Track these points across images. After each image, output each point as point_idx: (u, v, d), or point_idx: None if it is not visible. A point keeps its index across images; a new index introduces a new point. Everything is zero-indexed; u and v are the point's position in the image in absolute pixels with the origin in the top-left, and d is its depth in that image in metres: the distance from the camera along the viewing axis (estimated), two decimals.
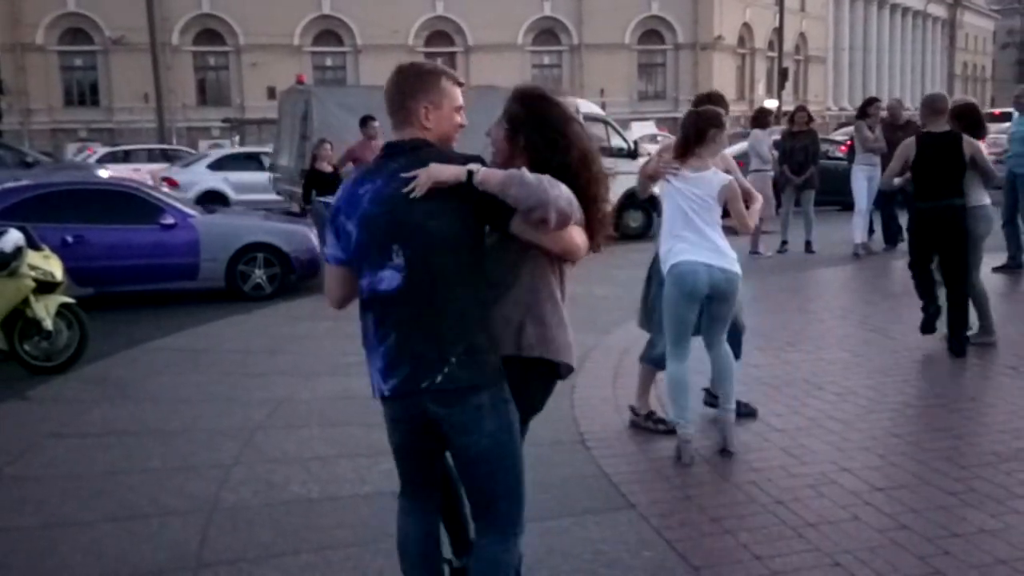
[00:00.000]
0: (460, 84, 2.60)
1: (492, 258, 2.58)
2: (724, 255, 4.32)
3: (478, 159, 2.49)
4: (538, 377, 2.76)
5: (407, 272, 2.43)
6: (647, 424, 4.86)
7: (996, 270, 9.40)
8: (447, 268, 2.43)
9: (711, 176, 4.35)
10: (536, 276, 2.71)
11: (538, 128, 2.65)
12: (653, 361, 4.87)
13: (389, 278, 2.45)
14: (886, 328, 7.17)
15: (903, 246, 11.19)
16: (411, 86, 2.53)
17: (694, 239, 4.31)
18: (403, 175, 2.43)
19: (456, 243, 2.44)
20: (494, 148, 2.74)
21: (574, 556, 3.50)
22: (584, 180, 2.64)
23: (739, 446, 4.53)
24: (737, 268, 4.36)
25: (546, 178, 2.41)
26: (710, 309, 4.41)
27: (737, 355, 4.68)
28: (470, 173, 2.40)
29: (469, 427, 2.46)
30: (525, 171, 2.42)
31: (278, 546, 3.68)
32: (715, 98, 4.86)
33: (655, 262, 4.73)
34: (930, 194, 6.17)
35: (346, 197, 2.58)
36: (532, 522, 3.62)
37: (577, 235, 2.59)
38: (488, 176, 2.40)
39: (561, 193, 2.42)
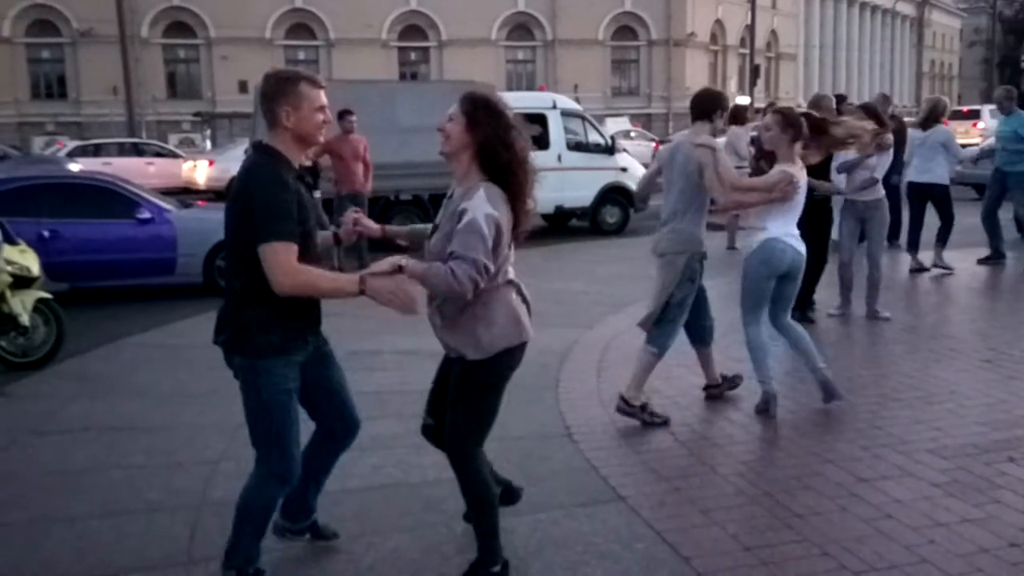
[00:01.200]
0: (321, 87, 2.96)
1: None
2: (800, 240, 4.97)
3: (310, 169, 2.79)
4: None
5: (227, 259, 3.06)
6: (642, 416, 4.88)
7: (981, 262, 9.58)
8: (234, 255, 2.98)
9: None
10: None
11: (493, 129, 2.96)
12: (663, 348, 4.99)
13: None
14: (863, 321, 7.26)
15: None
16: (273, 91, 2.91)
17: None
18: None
19: (235, 239, 2.93)
20: (445, 138, 3.01)
21: (566, 548, 3.52)
22: (519, 177, 3.00)
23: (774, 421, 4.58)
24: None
25: (447, 272, 2.85)
26: (782, 287, 4.99)
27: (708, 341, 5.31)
28: (400, 267, 2.86)
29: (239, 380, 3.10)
30: (438, 268, 2.88)
31: (268, 541, 3.63)
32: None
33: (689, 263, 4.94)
34: None
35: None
36: (523, 515, 3.67)
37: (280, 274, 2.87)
38: (413, 268, 2.87)
39: (457, 280, 2.85)
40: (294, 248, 2.82)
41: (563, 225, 14.70)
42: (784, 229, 4.90)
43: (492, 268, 2.92)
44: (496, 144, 2.95)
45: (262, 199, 2.81)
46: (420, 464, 4.44)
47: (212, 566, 3.44)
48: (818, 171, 7.17)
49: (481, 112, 2.97)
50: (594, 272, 10.11)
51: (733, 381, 5.44)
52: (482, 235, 2.86)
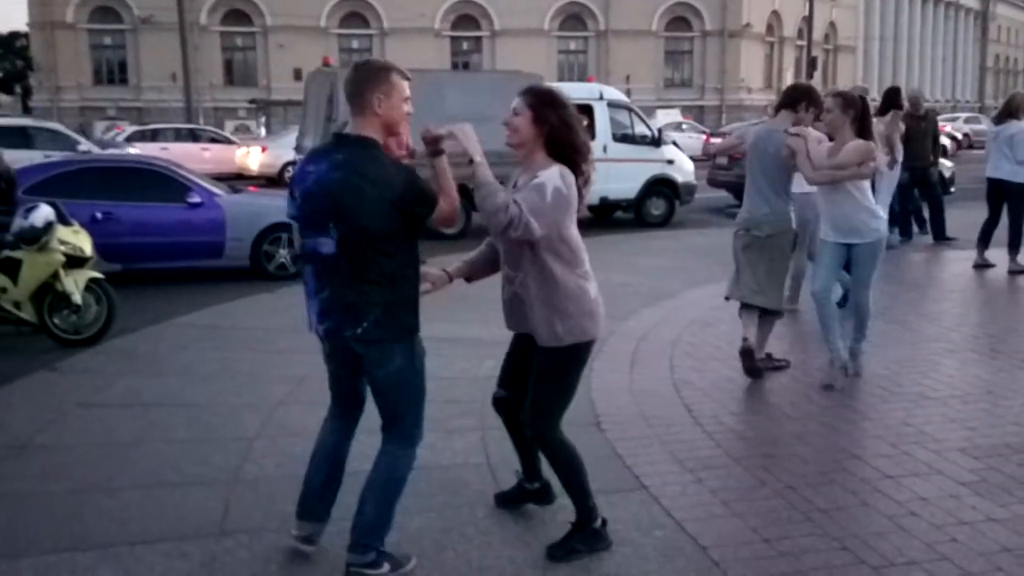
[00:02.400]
0: (407, 79, 3.11)
1: (506, 252, 3.26)
2: None
3: (408, 170, 3.03)
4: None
5: (339, 243, 3.00)
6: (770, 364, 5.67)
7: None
8: (369, 246, 2.98)
9: None
10: (549, 266, 3.22)
11: (559, 120, 3.18)
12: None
13: (327, 244, 3.02)
14: (906, 320, 7.17)
15: (922, 239, 11.18)
16: (365, 78, 3.04)
17: None
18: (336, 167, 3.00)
19: (377, 232, 2.98)
20: (513, 131, 3.21)
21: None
22: (581, 165, 3.23)
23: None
24: None
25: (503, 200, 2.99)
26: None
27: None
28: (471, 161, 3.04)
29: (381, 362, 3.10)
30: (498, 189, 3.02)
31: (277, 521, 3.77)
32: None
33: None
34: None
35: (298, 170, 3.19)
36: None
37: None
38: (480, 173, 3.03)
39: (502, 208, 2.98)
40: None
41: (608, 217, 14.69)
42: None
43: (536, 230, 3.03)
44: (561, 134, 3.17)
45: (407, 182, 2.98)
46: (450, 447, 4.53)
47: (241, 538, 3.58)
48: None
49: (546, 105, 3.17)
50: (636, 264, 10.10)
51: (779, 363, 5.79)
52: (543, 196, 3.05)
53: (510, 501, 3.80)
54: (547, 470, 3.62)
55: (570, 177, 3.14)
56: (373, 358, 3.11)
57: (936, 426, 4.74)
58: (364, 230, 2.97)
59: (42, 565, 3.38)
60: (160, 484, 4.13)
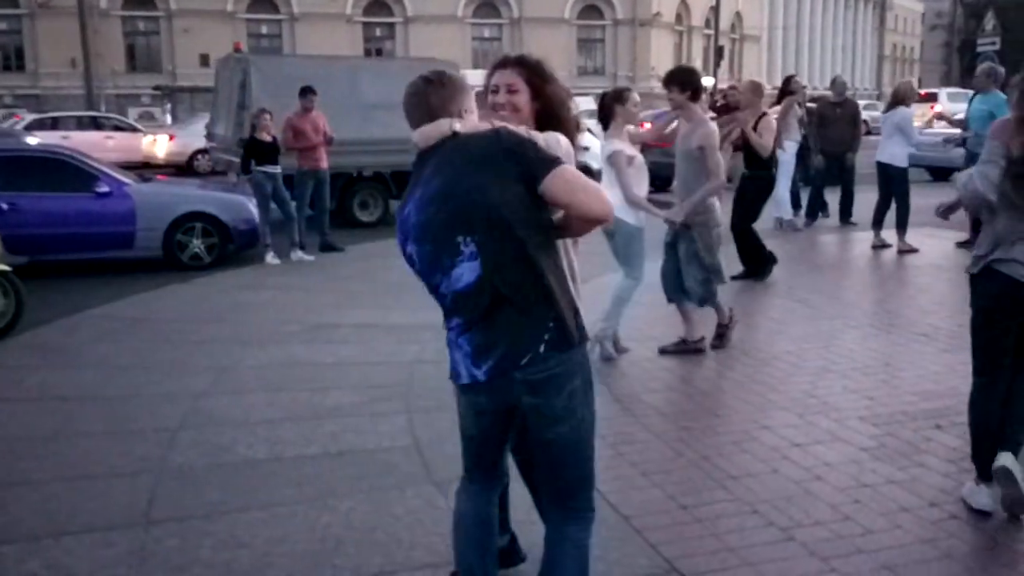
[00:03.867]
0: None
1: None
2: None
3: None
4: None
5: (481, 257, 2.31)
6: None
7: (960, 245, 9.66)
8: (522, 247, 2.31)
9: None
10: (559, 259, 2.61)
11: (554, 90, 2.84)
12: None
13: (470, 271, 2.32)
14: (808, 298, 7.51)
15: (826, 221, 11.64)
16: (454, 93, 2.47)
17: None
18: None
19: (516, 220, 2.29)
20: (513, 111, 2.78)
21: (513, 509, 3.67)
22: (574, 135, 2.87)
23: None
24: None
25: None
26: None
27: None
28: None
29: (561, 415, 2.40)
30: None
31: (227, 504, 3.79)
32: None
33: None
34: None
35: (400, 215, 2.49)
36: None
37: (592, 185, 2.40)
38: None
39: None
40: None
41: None
42: None
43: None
44: (556, 111, 2.83)
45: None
46: (376, 431, 4.59)
47: (170, 527, 3.58)
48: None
49: (541, 78, 2.83)
50: None
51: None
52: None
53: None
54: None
55: (565, 140, 2.77)
56: (541, 398, 2.40)
57: (838, 397, 5.01)
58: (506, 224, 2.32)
59: None
60: (82, 476, 4.08)
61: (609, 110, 5.50)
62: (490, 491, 2.74)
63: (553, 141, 2.67)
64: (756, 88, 8.05)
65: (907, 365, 5.62)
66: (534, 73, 2.82)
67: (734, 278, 7.47)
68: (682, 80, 5.54)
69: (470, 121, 2.45)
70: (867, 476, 3.97)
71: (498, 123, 2.44)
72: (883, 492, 3.81)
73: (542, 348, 2.33)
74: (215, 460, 4.27)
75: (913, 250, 9.45)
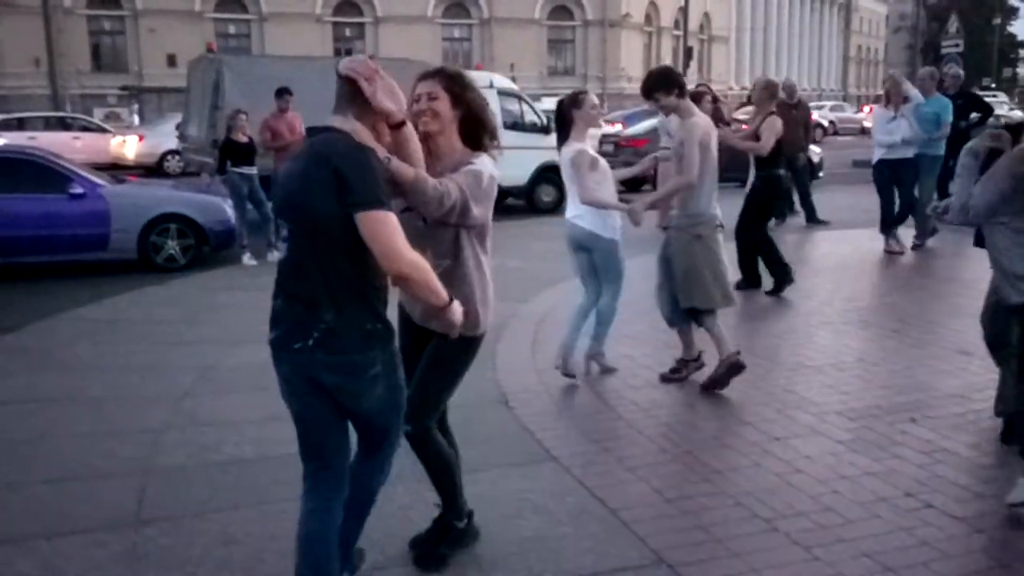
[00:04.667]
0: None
1: (431, 238, 2.96)
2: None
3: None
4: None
5: (289, 246, 2.67)
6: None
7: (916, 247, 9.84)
8: (319, 245, 2.58)
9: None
10: (474, 254, 3.11)
11: (474, 100, 3.06)
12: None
13: (282, 249, 2.72)
14: (783, 296, 7.64)
15: (794, 220, 11.81)
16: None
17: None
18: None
19: (328, 222, 2.53)
20: (432, 116, 2.99)
21: (501, 503, 3.74)
22: (494, 145, 3.12)
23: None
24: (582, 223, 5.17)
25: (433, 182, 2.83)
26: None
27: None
28: (388, 160, 2.73)
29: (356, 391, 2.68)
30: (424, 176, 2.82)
31: (216, 503, 3.81)
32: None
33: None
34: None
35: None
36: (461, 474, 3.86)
37: (399, 243, 2.55)
38: (398, 167, 2.76)
39: (439, 188, 2.85)
40: None
41: (500, 203, 14.87)
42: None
43: (476, 216, 2.98)
44: (480, 116, 3.05)
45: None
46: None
47: (162, 526, 3.59)
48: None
49: (460, 86, 3.02)
50: (529, 249, 10.34)
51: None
52: (480, 182, 2.95)
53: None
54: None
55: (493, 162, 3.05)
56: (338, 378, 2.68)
57: (815, 392, 5.13)
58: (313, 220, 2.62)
59: None
60: (69, 478, 4.08)
61: (567, 116, 5.11)
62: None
63: (480, 165, 2.97)
64: (768, 87, 7.88)
65: (880, 361, 5.76)
66: (454, 82, 3.02)
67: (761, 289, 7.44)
68: (665, 82, 4.98)
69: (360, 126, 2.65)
70: (845, 468, 4.07)
71: (368, 144, 2.62)
72: (861, 483, 3.91)
73: (311, 342, 2.60)
74: (202, 460, 4.28)
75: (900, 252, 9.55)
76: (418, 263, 2.57)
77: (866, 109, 40.25)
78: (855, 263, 9.37)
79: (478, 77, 14.93)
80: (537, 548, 3.38)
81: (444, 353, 3.11)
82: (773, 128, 7.41)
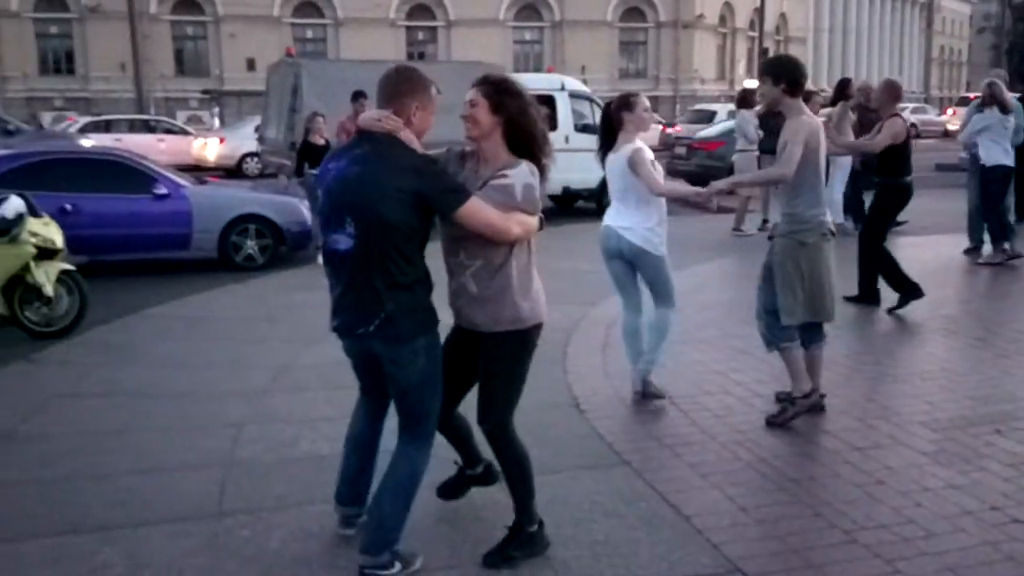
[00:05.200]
0: (439, 93, 3.18)
1: (464, 239, 3.09)
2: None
3: (432, 160, 3.06)
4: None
5: (356, 240, 2.97)
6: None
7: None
8: (385, 242, 2.95)
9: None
10: (508, 249, 3.14)
11: (516, 107, 3.13)
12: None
13: (344, 241, 2.99)
14: (864, 303, 7.44)
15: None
16: (409, 87, 3.09)
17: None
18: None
19: (396, 224, 2.93)
20: (473, 123, 3.12)
21: (572, 506, 3.74)
22: (542, 152, 3.19)
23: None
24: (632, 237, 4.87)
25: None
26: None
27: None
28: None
29: (401, 363, 3.07)
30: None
31: (292, 497, 3.89)
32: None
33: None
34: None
35: (322, 167, 3.19)
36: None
37: (497, 219, 3.01)
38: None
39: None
40: None
41: (570, 206, 14.87)
42: None
43: (516, 234, 3.06)
44: (520, 123, 3.11)
45: (430, 174, 3.01)
46: None
47: (241, 518, 3.68)
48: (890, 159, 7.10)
49: (503, 93, 3.11)
50: (599, 252, 10.28)
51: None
52: (512, 197, 3.04)
53: (453, 490, 3.72)
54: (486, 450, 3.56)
55: (536, 172, 3.12)
56: (392, 356, 3.07)
57: (898, 401, 4.99)
58: (382, 225, 2.92)
59: (45, 548, 3.45)
60: (153, 469, 4.21)
61: (616, 119, 4.82)
62: (374, 413, 3.44)
63: (513, 177, 3.07)
64: (889, 88, 7.30)
65: (965, 371, 5.58)
66: (494, 90, 3.13)
67: (847, 299, 6.96)
68: (773, 70, 4.60)
69: (413, 126, 3.06)
70: (928, 480, 3.96)
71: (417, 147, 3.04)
72: (945, 496, 3.80)
73: (372, 329, 3.03)
74: (280, 455, 4.37)
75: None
76: (521, 222, 3.05)
77: (949, 111, 38.98)
78: (938, 269, 9.08)
79: (549, 80, 15.00)
80: (609, 552, 3.37)
81: (494, 352, 3.21)
82: (892, 129, 6.88)
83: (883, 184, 7.26)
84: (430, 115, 3.12)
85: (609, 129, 4.88)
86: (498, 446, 3.32)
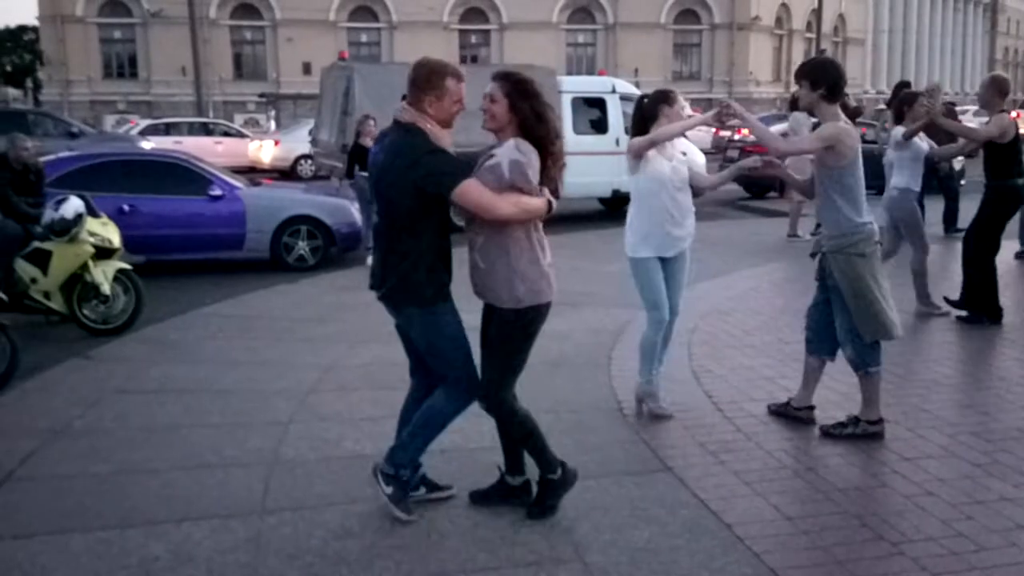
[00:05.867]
0: (462, 79, 3.44)
1: (477, 217, 3.41)
2: None
3: (434, 149, 3.32)
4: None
5: (380, 216, 3.52)
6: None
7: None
8: (397, 220, 3.42)
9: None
10: (510, 233, 3.42)
11: (531, 106, 3.40)
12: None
13: (376, 216, 3.57)
14: (913, 309, 7.28)
15: (929, 230, 11.23)
16: (423, 81, 3.38)
17: None
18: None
19: (400, 205, 3.39)
20: (491, 116, 3.43)
21: (614, 511, 3.71)
22: (553, 147, 3.45)
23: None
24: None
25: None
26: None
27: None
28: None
29: (405, 327, 3.61)
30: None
31: (335, 496, 3.93)
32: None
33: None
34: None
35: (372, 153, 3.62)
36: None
37: (485, 199, 3.33)
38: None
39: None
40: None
41: (619, 209, 14.78)
42: None
43: (503, 211, 3.34)
44: (534, 119, 3.39)
45: (430, 163, 3.34)
46: (477, 430, 4.65)
47: (284, 515, 3.72)
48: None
49: (521, 96, 3.40)
50: None
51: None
52: (500, 176, 3.33)
53: (484, 496, 3.81)
54: (557, 444, 3.79)
55: (525, 144, 3.35)
56: (400, 320, 3.59)
57: (951, 410, 4.86)
58: (394, 206, 3.40)
59: (93, 541, 3.53)
60: (200, 466, 4.28)
61: (652, 112, 4.67)
62: (419, 387, 3.76)
63: (500, 155, 3.37)
64: (995, 82, 6.91)
65: (1021, 380, 5.41)
66: (513, 89, 3.40)
67: (948, 301, 6.80)
68: (810, 74, 4.41)
69: (431, 115, 3.39)
70: (980, 493, 3.85)
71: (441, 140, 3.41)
72: (997, 509, 3.69)
73: (384, 291, 3.53)
74: (324, 454, 4.42)
75: None
76: (516, 202, 3.33)
77: (1012, 113, 37.92)
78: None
79: (600, 83, 14.94)
80: (649, 559, 3.34)
81: (495, 329, 3.53)
82: (1000, 123, 6.62)
83: (993, 187, 6.86)
84: (449, 104, 3.40)
85: (642, 121, 4.73)
86: (499, 418, 3.63)
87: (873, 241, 4.43)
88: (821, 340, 4.66)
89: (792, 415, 4.76)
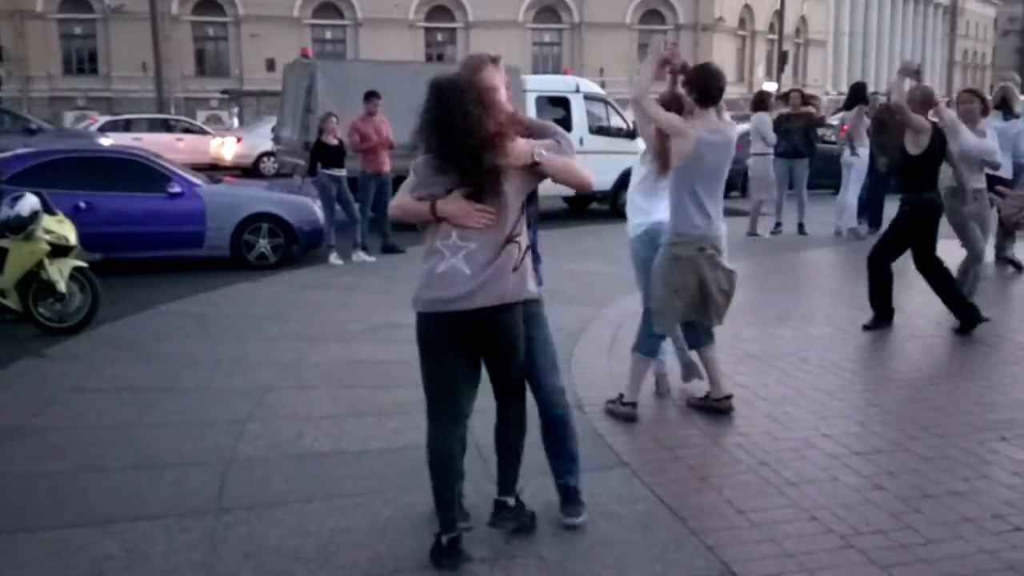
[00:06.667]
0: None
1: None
2: None
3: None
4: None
5: None
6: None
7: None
8: None
9: None
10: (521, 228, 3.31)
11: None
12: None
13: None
14: (866, 305, 7.39)
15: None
16: None
17: None
18: None
19: None
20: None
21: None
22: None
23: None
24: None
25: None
26: None
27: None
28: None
29: None
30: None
31: (292, 494, 3.92)
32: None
33: None
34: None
35: None
36: (532, 477, 3.88)
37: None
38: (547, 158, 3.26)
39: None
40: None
41: (584, 208, 14.88)
42: None
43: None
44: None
45: None
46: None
47: (240, 514, 3.71)
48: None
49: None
50: (613, 254, 10.23)
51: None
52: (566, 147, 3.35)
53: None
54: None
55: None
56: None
57: (902, 406, 4.96)
58: None
59: (48, 540, 3.49)
60: (156, 464, 4.25)
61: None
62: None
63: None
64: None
65: (973, 376, 5.54)
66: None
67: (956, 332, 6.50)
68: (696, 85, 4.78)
69: None
70: (929, 486, 3.93)
71: None
72: (945, 502, 3.77)
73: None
74: (282, 452, 4.40)
75: None
76: (396, 205, 3.34)
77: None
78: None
79: (564, 82, 14.99)
80: (603, 554, 3.37)
81: (516, 325, 3.38)
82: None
83: (911, 201, 6.65)
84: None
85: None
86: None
87: (695, 248, 4.58)
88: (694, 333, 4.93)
89: (712, 407, 4.86)
